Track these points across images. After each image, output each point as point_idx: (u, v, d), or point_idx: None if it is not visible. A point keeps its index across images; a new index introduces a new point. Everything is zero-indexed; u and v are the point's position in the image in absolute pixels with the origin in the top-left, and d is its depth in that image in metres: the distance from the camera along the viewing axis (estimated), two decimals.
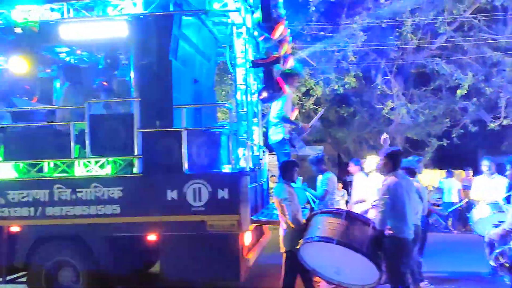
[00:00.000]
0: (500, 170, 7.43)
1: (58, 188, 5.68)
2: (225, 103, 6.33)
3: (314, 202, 6.79)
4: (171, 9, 5.78)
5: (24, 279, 6.03)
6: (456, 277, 7.62)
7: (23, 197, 5.70)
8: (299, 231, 5.28)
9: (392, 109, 15.98)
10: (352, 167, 7.62)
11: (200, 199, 5.54)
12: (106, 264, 5.70)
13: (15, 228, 5.80)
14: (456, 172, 15.70)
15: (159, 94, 5.76)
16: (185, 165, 5.60)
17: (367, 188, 7.15)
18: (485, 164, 7.72)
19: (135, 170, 5.75)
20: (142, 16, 5.76)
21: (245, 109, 6.14)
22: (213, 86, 8.02)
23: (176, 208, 5.56)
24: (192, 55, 6.85)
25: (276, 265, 8.10)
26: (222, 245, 5.57)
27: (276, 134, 6.28)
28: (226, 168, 5.89)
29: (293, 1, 13.33)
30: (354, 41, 14.89)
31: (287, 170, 5.62)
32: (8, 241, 5.82)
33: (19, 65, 6.11)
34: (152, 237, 5.70)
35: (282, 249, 5.56)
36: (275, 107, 6.39)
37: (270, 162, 8.73)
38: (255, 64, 6.07)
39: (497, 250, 4.94)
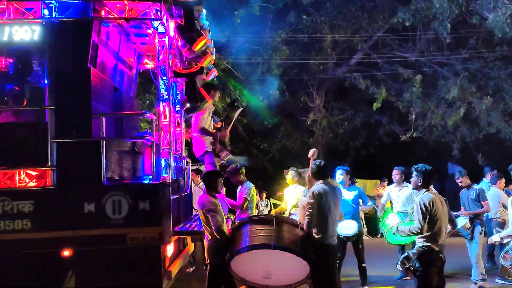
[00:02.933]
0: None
1: None
2: (146, 112, 6.19)
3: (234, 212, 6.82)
4: (90, 15, 5.59)
5: None
6: (371, 280, 8.02)
7: None
8: (224, 242, 5.28)
9: (314, 121, 16.58)
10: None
11: (119, 211, 5.35)
12: (14, 284, 5.30)
13: None
14: (373, 181, 16.61)
15: (76, 103, 5.51)
16: (104, 176, 5.39)
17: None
18: (394, 173, 8.08)
19: (49, 182, 5.43)
20: (58, 21, 5.50)
21: (167, 119, 6.06)
22: (134, 95, 7.83)
23: (94, 221, 5.32)
24: (113, 63, 6.64)
25: (197, 276, 8.06)
26: (143, 259, 5.42)
27: (199, 146, 6.24)
28: (147, 179, 5.75)
29: (218, 12, 13.45)
30: (278, 54, 15.32)
31: (211, 181, 5.61)
32: None
33: None
34: (67, 253, 5.40)
35: (207, 260, 5.53)
36: (196, 119, 6.35)
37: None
38: (177, 74, 6.02)
39: (403, 256, 5.28)
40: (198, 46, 5.96)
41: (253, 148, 18.83)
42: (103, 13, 5.70)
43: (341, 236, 7.14)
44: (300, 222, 5.26)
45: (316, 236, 5.09)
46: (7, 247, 5.24)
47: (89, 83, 5.58)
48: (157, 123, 5.95)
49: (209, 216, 5.31)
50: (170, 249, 5.72)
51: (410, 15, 14.28)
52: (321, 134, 17.26)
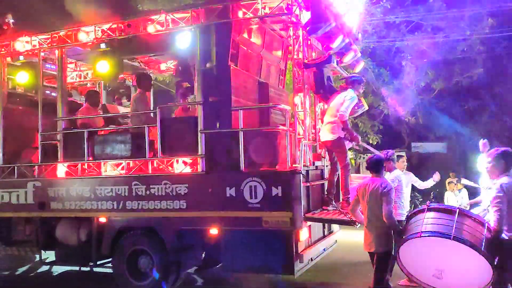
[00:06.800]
0: None
1: (135, 184, 6.43)
2: (279, 105, 6.41)
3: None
4: (229, 17, 6.13)
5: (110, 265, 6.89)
6: None
7: (107, 192, 6.59)
8: (394, 229, 5.07)
9: None
10: None
11: (255, 196, 5.77)
12: (176, 254, 6.29)
13: (102, 219, 6.73)
14: None
15: (218, 98, 6.15)
16: (242, 164, 5.87)
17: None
18: None
19: (199, 168, 6.21)
20: (203, 25, 6.21)
21: (301, 109, 6.18)
22: (283, 87, 8.15)
23: (234, 204, 5.86)
24: (257, 58, 7.08)
25: (333, 262, 7.99)
26: (277, 241, 5.76)
27: (332, 133, 6.15)
28: (281, 167, 6.00)
29: None
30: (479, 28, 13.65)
31: (379, 166, 5.37)
32: (97, 231, 6.78)
33: (103, 68, 6.86)
34: (214, 231, 6.11)
35: (375, 249, 5.18)
36: (335, 107, 6.21)
37: None
38: (307, 65, 6.07)
39: None
40: (336, 43, 5.87)
41: (452, 134, 17.10)
42: (241, 14, 6.17)
43: None
44: (487, 221, 4.58)
45: (508, 234, 4.41)
46: (169, 223, 6.24)
47: (229, 79, 6.15)
48: (290, 113, 6.15)
49: (384, 199, 5.06)
50: (303, 234, 5.88)
51: None
52: None
